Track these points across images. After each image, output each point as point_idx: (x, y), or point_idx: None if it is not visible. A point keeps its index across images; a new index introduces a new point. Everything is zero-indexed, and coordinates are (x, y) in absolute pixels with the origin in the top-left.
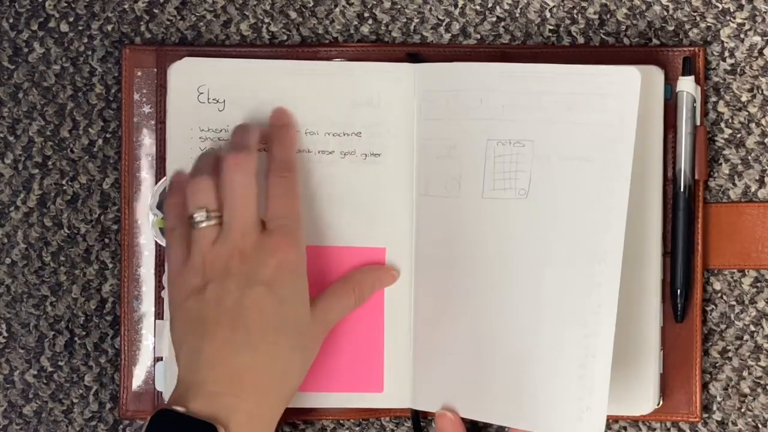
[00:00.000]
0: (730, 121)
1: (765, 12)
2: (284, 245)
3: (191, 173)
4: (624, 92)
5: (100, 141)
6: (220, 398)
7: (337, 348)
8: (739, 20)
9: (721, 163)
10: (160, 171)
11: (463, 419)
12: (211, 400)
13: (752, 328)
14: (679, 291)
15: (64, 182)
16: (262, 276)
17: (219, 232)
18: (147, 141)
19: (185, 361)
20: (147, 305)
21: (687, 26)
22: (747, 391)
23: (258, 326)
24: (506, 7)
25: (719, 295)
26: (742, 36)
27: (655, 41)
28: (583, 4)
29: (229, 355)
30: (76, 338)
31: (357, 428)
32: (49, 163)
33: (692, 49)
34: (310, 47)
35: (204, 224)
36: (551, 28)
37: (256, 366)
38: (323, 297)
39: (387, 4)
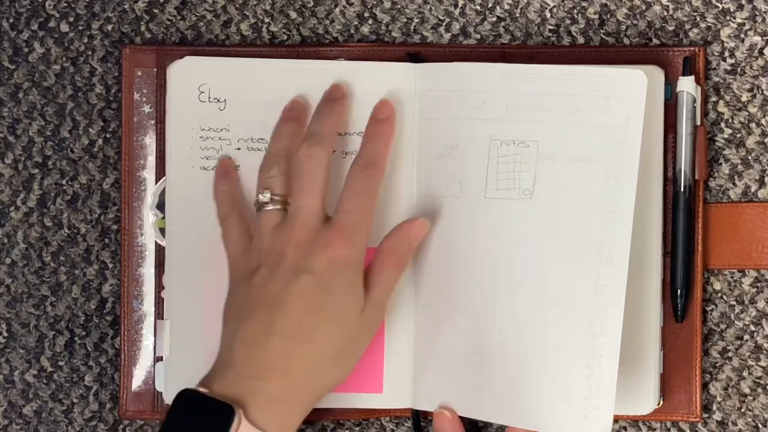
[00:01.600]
0: (730, 121)
1: (765, 12)
2: (339, 240)
3: (266, 156)
4: (630, 95)
5: (100, 141)
6: (245, 380)
7: None
8: (739, 20)
9: (721, 163)
10: (160, 171)
11: (462, 419)
12: (236, 382)
13: (752, 328)
14: (679, 291)
15: (64, 182)
16: (312, 266)
17: (282, 218)
18: (147, 141)
19: (223, 341)
20: (147, 305)
21: (687, 26)
22: (747, 391)
23: (297, 314)
24: (506, 7)
25: (719, 295)
26: (742, 36)
27: (655, 41)
28: (583, 4)
29: (261, 338)
30: (76, 338)
31: (357, 428)
32: (49, 163)
33: (692, 49)
34: (310, 47)
35: (269, 207)
36: (551, 28)
37: (287, 352)
38: (366, 283)
39: (387, 4)
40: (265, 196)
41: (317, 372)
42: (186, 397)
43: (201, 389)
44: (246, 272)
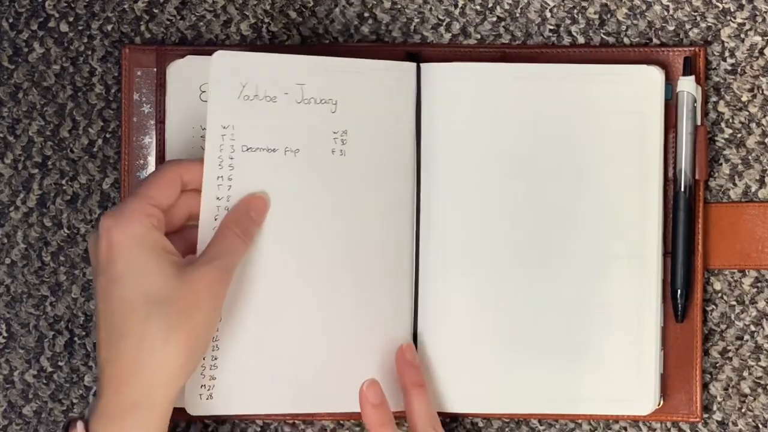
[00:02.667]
0: (730, 121)
1: (765, 12)
2: (108, 220)
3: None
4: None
5: (100, 141)
6: (96, 397)
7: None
8: (739, 20)
9: (721, 163)
10: None
11: (461, 418)
12: (93, 401)
13: (752, 328)
14: (679, 291)
15: (64, 182)
16: (100, 262)
17: None
18: (147, 141)
19: None
20: None
21: (687, 26)
22: (747, 391)
23: (107, 320)
24: (506, 7)
25: (719, 295)
26: (742, 36)
27: (655, 41)
28: (584, 4)
29: (98, 355)
30: (76, 338)
31: (357, 428)
32: (49, 163)
33: (693, 49)
34: (310, 47)
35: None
36: (551, 28)
37: (115, 361)
38: (206, 251)
39: (387, 4)
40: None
41: (149, 360)
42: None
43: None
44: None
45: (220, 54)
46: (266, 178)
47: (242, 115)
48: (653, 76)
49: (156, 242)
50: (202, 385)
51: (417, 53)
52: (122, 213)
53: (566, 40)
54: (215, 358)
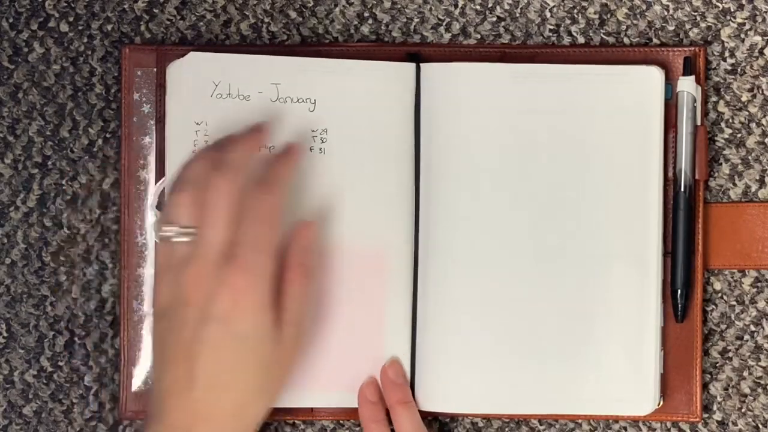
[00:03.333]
0: (730, 120)
1: (765, 12)
2: (239, 278)
3: (174, 182)
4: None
5: (100, 141)
6: (175, 431)
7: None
8: (739, 20)
9: (721, 163)
10: (160, 171)
11: (461, 419)
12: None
13: (752, 328)
14: (679, 291)
15: (64, 182)
16: (217, 313)
17: (188, 250)
18: (147, 141)
19: (154, 383)
20: (147, 305)
21: (687, 26)
22: (747, 391)
23: (213, 365)
24: (506, 7)
25: (719, 295)
26: (742, 36)
27: (655, 41)
28: (583, 3)
29: (184, 390)
30: (76, 338)
31: (357, 428)
32: (49, 163)
33: (692, 49)
34: (310, 47)
35: (173, 239)
36: (551, 27)
37: (210, 402)
38: (286, 306)
39: (387, 4)
40: (171, 231)
41: (243, 411)
42: None
43: None
44: (159, 307)
45: (193, 55)
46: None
47: (215, 113)
48: (653, 76)
49: (274, 306)
50: None
51: (417, 53)
52: (254, 272)
53: (566, 40)
54: None
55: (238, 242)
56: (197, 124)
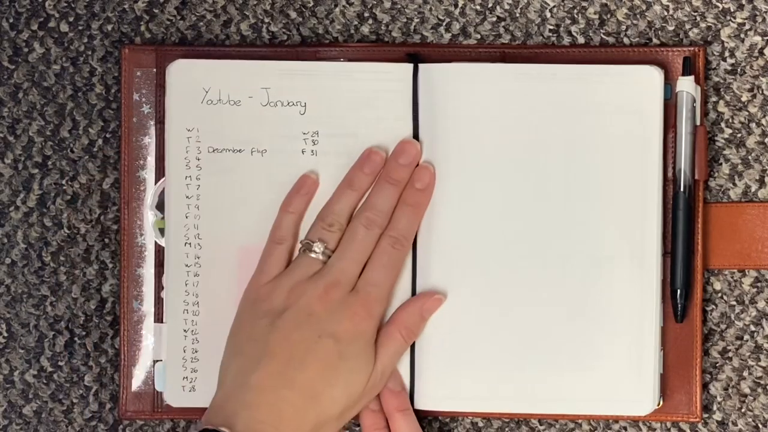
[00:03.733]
0: (730, 120)
1: (765, 12)
2: (363, 312)
3: (331, 207)
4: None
5: (100, 141)
6: (262, 426)
7: None
8: (739, 20)
9: (721, 163)
10: (159, 171)
11: (461, 418)
12: (254, 426)
13: (752, 328)
14: (679, 291)
15: (64, 182)
16: (336, 331)
17: (321, 268)
18: (147, 141)
19: (234, 375)
20: (147, 306)
21: (687, 26)
22: (747, 391)
23: (313, 374)
24: (506, 7)
25: (719, 295)
26: (742, 36)
27: (655, 41)
28: (583, 4)
29: (276, 386)
30: (76, 338)
31: (357, 428)
32: (49, 163)
33: (692, 49)
34: (310, 47)
35: (315, 255)
36: (551, 28)
37: (298, 406)
38: (379, 354)
39: (387, 4)
40: (319, 248)
41: (321, 428)
42: None
43: (223, 429)
44: (269, 309)
45: (178, 63)
46: (234, 177)
47: (206, 119)
48: (653, 76)
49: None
50: (184, 377)
51: (417, 53)
52: (373, 310)
53: (566, 40)
54: (196, 351)
55: (366, 281)
56: (188, 130)
